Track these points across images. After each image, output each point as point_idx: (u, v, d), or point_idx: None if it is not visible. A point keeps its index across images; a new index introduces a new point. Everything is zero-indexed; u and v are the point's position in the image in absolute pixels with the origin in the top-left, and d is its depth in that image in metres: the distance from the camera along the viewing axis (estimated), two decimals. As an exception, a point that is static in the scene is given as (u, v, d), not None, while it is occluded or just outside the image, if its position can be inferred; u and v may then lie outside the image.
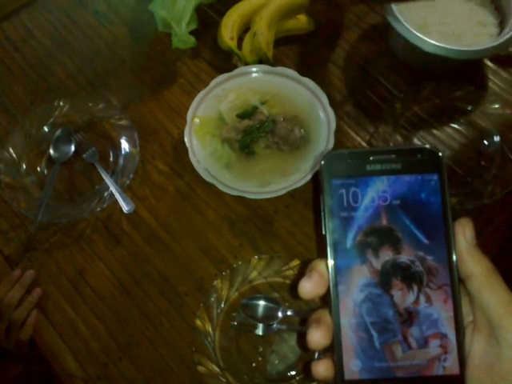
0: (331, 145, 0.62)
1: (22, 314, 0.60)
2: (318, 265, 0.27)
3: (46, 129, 0.71)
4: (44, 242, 0.65)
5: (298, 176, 0.62)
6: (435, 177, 0.27)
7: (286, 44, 0.76)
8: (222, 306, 0.59)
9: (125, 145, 0.69)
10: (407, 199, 0.27)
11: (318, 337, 0.26)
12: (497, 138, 0.65)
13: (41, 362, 0.59)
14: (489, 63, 0.73)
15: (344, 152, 0.27)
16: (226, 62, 0.75)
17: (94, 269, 0.63)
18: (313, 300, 0.55)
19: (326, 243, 0.27)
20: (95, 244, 0.64)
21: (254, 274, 0.60)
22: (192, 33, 0.72)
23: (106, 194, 0.65)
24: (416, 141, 0.68)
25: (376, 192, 0.27)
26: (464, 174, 0.65)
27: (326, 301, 0.27)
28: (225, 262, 0.62)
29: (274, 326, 0.56)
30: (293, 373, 0.56)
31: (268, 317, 0.56)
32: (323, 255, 0.27)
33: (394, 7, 0.63)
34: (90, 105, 0.71)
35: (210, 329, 0.57)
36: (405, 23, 0.62)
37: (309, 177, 0.60)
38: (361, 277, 0.26)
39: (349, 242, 0.27)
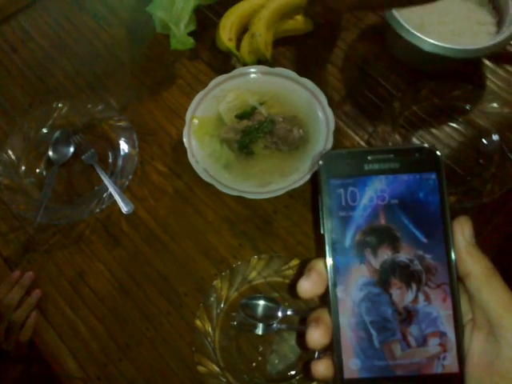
0: (330, 145, 0.62)
1: (22, 316, 0.60)
2: (317, 264, 0.27)
3: (44, 130, 0.71)
4: (43, 243, 0.65)
5: (297, 176, 0.62)
6: (434, 176, 0.27)
7: (284, 45, 0.76)
8: (222, 305, 0.59)
9: (124, 146, 0.69)
10: (406, 198, 0.27)
11: (317, 336, 0.26)
12: (495, 137, 0.66)
13: (40, 363, 0.59)
14: (487, 62, 0.73)
15: (342, 152, 0.27)
16: (224, 62, 0.75)
17: (94, 270, 0.63)
18: (312, 299, 0.56)
19: (325, 243, 0.27)
20: (94, 245, 0.64)
21: (253, 273, 0.60)
22: (190, 34, 0.73)
23: (105, 195, 0.65)
24: (415, 140, 0.68)
25: (374, 191, 0.27)
26: (463, 173, 0.65)
27: (325, 300, 0.27)
28: (224, 262, 0.62)
29: (274, 325, 0.56)
30: (293, 372, 0.56)
31: (268, 316, 0.56)
32: (322, 255, 0.27)
33: (393, 7, 0.63)
34: (89, 106, 0.71)
35: (210, 329, 0.57)
36: (403, 23, 0.62)
37: (308, 177, 0.60)
38: (360, 276, 0.26)
39: (347, 242, 0.27)
